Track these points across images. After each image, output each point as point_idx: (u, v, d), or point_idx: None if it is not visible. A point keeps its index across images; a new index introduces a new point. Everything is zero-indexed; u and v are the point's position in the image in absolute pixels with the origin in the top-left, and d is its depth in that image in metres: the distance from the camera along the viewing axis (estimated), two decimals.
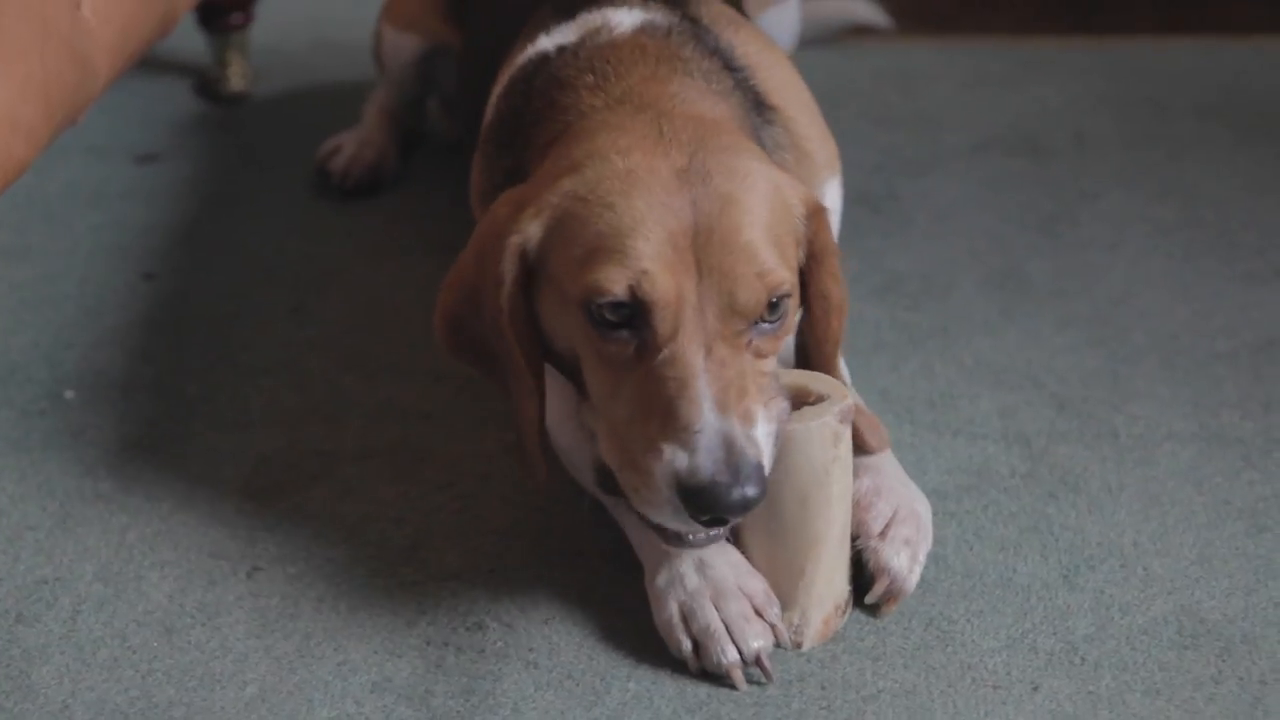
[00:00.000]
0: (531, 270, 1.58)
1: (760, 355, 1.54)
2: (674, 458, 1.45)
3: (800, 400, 1.59)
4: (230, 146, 2.84)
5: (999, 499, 1.82)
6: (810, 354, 1.68)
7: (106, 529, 1.81)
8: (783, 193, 1.58)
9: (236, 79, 3.03)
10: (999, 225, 2.49)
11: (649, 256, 1.49)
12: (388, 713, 1.54)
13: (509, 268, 1.57)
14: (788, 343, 1.76)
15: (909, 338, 2.16)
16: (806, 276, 1.62)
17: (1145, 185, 2.62)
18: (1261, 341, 2.14)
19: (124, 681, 1.58)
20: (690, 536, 1.52)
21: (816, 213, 1.61)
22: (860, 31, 3.26)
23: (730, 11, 1.98)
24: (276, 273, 2.37)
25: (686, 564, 1.60)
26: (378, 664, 1.60)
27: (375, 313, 2.25)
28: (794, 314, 1.60)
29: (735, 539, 1.62)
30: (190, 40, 3.09)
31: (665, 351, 1.49)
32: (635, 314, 1.50)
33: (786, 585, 1.59)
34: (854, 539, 1.64)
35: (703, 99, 1.71)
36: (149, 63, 3.09)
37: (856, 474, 1.64)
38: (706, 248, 1.50)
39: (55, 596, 1.70)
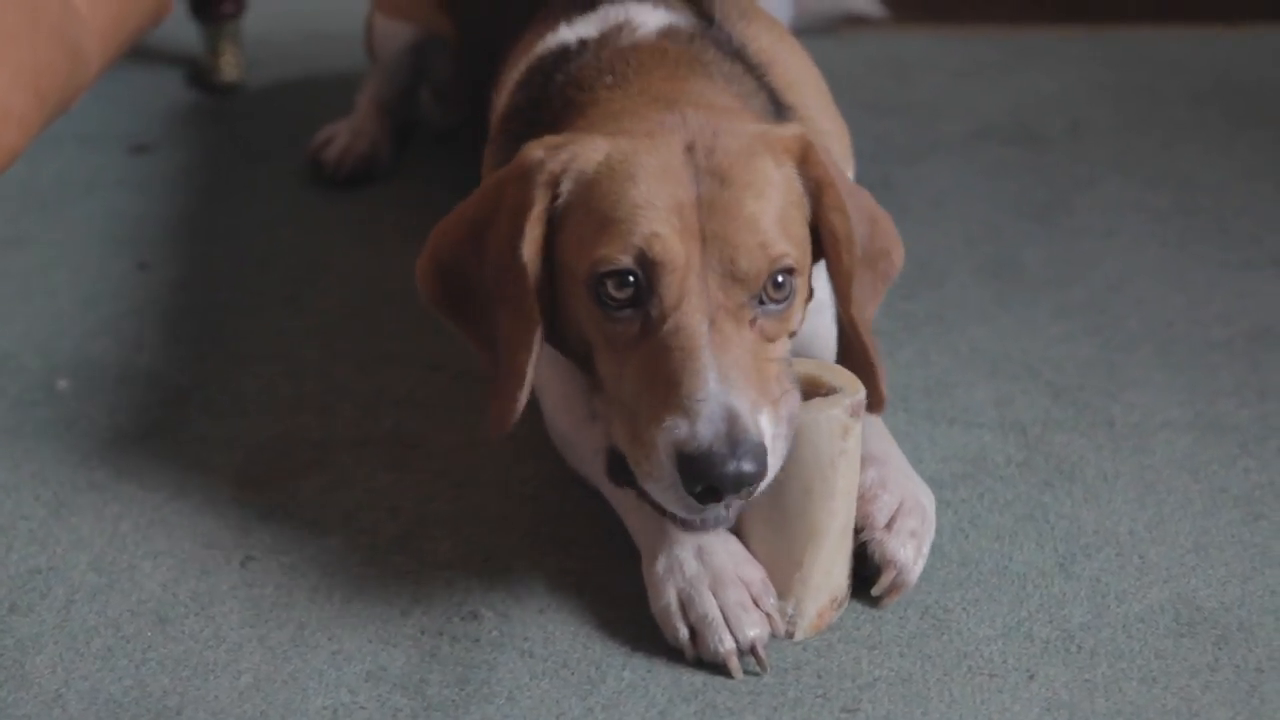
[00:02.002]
0: (553, 226, 1.58)
1: (767, 338, 1.54)
2: (675, 426, 1.45)
3: (812, 391, 1.58)
4: (223, 136, 2.83)
5: (995, 487, 1.82)
6: (835, 292, 1.65)
7: (100, 518, 1.80)
8: (780, 168, 1.57)
9: (229, 69, 3.02)
10: (994, 213, 2.48)
11: (657, 221, 1.50)
12: (382, 702, 1.54)
13: (541, 194, 1.56)
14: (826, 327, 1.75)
15: (904, 326, 2.16)
16: (814, 219, 1.61)
17: (1141, 173, 2.61)
18: (1257, 329, 2.14)
19: (118, 671, 1.58)
20: (698, 520, 1.51)
21: (806, 153, 1.60)
22: (855, 21, 3.25)
23: (743, 2, 1.97)
24: (270, 262, 2.37)
25: (686, 551, 1.59)
26: (372, 653, 1.59)
27: (369, 302, 2.24)
28: (803, 297, 1.59)
29: (736, 527, 1.62)
30: (183, 30, 3.09)
31: (670, 322, 1.50)
32: (640, 288, 1.51)
33: (783, 575, 1.58)
34: (859, 530, 1.63)
35: (720, 97, 1.71)
36: (141, 52, 3.09)
37: (862, 466, 1.63)
38: (710, 217, 1.51)
39: (49, 586, 1.70)
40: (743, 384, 1.47)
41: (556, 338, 1.64)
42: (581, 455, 1.79)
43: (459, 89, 2.43)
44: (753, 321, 1.52)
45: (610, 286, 1.51)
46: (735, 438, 1.43)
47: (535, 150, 1.59)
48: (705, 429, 1.44)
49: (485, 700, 1.53)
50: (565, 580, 1.69)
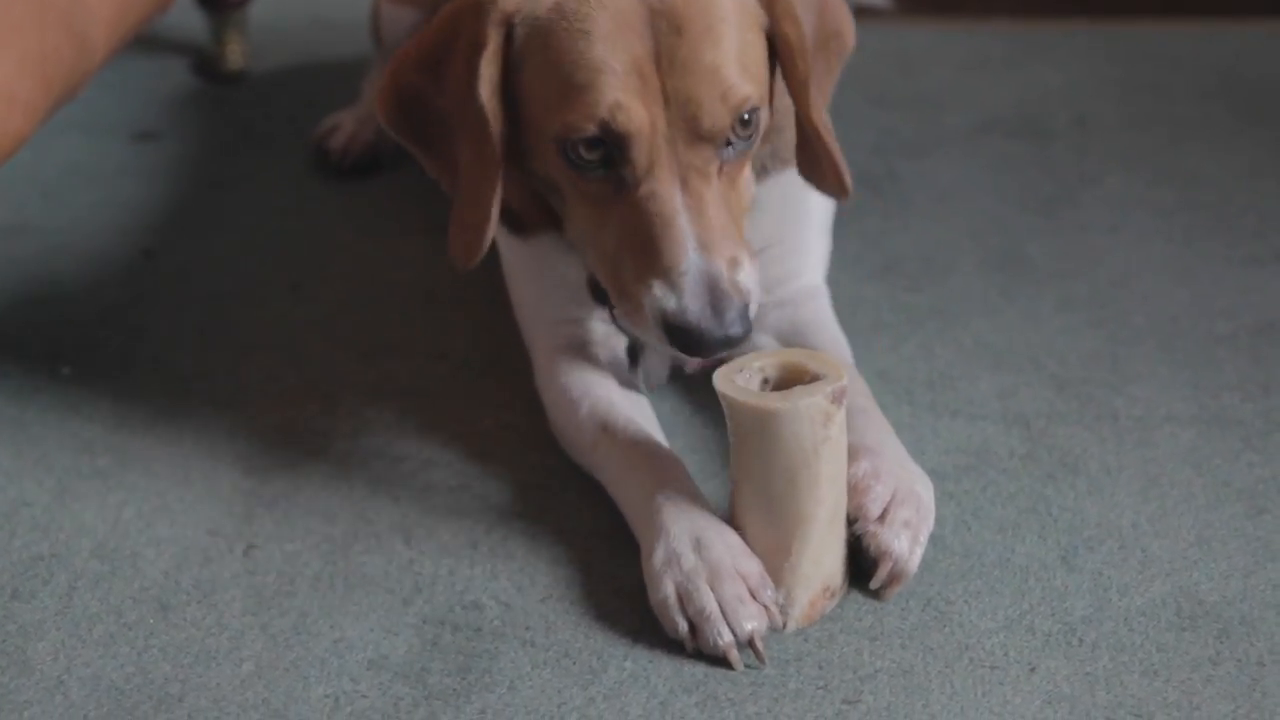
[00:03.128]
0: (511, 66, 1.59)
1: (732, 179, 1.58)
2: (662, 295, 1.52)
3: (794, 379, 1.58)
4: (228, 124, 2.83)
5: (998, 480, 1.82)
6: (792, 98, 1.67)
7: (103, 505, 1.80)
8: None
9: (234, 57, 3.02)
10: (999, 207, 2.48)
11: (618, 88, 1.52)
12: (384, 690, 1.54)
13: (494, 32, 1.58)
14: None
15: (908, 318, 2.15)
16: (769, 29, 1.63)
17: (1146, 168, 2.61)
18: (1261, 324, 2.13)
19: (120, 658, 1.58)
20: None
21: None
22: (860, 13, 3.23)
23: None
24: (274, 251, 2.37)
25: (683, 544, 1.59)
26: (374, 642, 1.60)
27: (373, 291, 2.24)
28: (765, 122, 1.62)
29: (733, 517, 1.62)
30: (188, 18, 3.08)
31: (643, 187, 1.54)
32: (610, 150, 1.54)
33: (774, 564, 1.58)
34: (853, 523, 1.62)
35: None
36: (147, 41, 3.09)
37: (854, 457, 1.63)
38: (670, 73, 1.53)
39: (51, 573, 1.70)
40: (720, 244, 1.54)
41: (524, 172, 1.67)
42: (579, 447, 1.79)
43: None
44: (720, 168, 1.55)
45: (580, 149, 1.55)
46: (719, 305, 1.52)
47: None
48: (691, 302, 1.51)
49: (487, 689, 1.53)
50: (568, 570, 1.69)
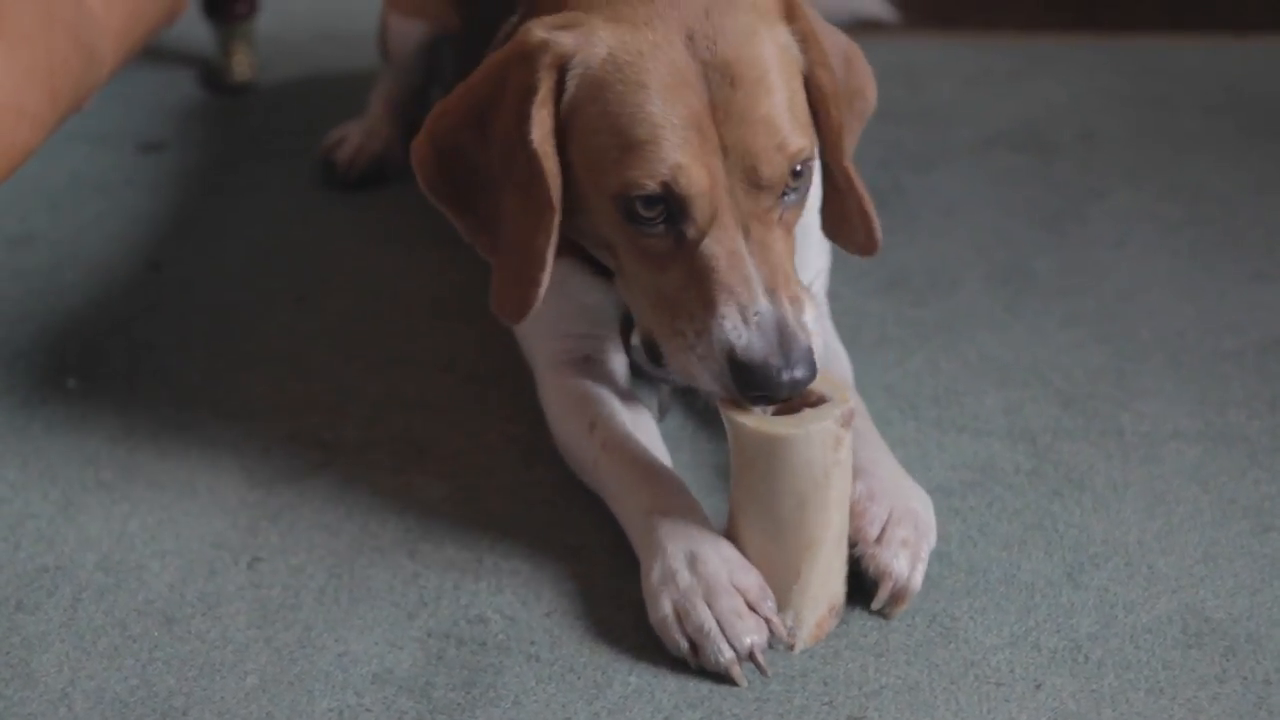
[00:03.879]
0: (563, 116, 1.58)
1: (788, 227, 1.58)
2: (735, 326, 1.51)
3: (801, 401, 1.58)
4: (235, 136, 2.83)
5: (1003, 496, 1.82)
6: (821, 145, 1.66)
7: (108, 518, 1.80)
8: (779, 43, 1.58)
9: (241, 68, 3.03)
10: (1005, 221, 2.48)
11: (679, 148, 1.52)
12: (388, 704, 1.53)
13: (546, 76, 1.56)
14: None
15: (914, 333, 2.15)
16: (807, 74, 1.63)
17: (1152, 183, 2.61)
18: (1268, 340, 2.13)
19: (124, 670, 1.58)
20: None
21: (791, 11, 1.61)
22: (866, 26, 3.25)
23: None
24: (281, 263, 2.37)
25: (679, 561, 1.59)
26: (379, 656, 1.59)
27: (379, 303, 2.24)
28: (814, 171, 1.62)
29: (732, 537, 1.61)
30: (195, 30, 3.09)
31: (708, 240, 1.54)
32: (670, 208, 1.54)
33: (782, 586, 1.58)
34: (852, 546, 1.62)
35: None
36: (154, 52, 3.09)
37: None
38: (727, 125, 1.53)
39: (56, 585, 1.70)
40: (785, 290, 1.53)
41: (570, 227, 1.64)
42: (581, 464, 1.79)
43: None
44: (780, 217, 1.56)
45: (639, 206, 1.54)
46: (788, 348, 1.51)
47: (536, 30, 1.58)
48: (759, 342, 1.51)
49: (491, 703, 1.53)
50: (573, 585, 1.69)
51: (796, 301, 1.54)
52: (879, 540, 1.62)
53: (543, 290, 1.62)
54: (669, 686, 1.55)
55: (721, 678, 1.55)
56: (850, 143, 1.72)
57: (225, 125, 2.88)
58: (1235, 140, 2.78)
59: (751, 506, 1.57)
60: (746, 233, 1.54)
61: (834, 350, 1.91)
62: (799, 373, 1.51)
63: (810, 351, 1.53)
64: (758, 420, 1.53)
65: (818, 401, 1.57)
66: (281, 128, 2.85)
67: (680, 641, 1.56)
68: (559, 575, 1.70)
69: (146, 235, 2.46)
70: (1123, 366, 2.07)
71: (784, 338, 1.51)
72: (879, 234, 1.72)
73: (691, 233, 1.54)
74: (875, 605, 1.61)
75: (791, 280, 1.56)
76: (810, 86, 1.62)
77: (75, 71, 2.03)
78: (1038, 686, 1.54)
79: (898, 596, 1.61)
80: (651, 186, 1.52)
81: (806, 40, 1.62)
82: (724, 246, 1.53)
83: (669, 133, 1.52)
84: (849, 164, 1.67)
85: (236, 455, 1.91)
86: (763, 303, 1.52)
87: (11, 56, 1.86)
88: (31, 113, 1.91)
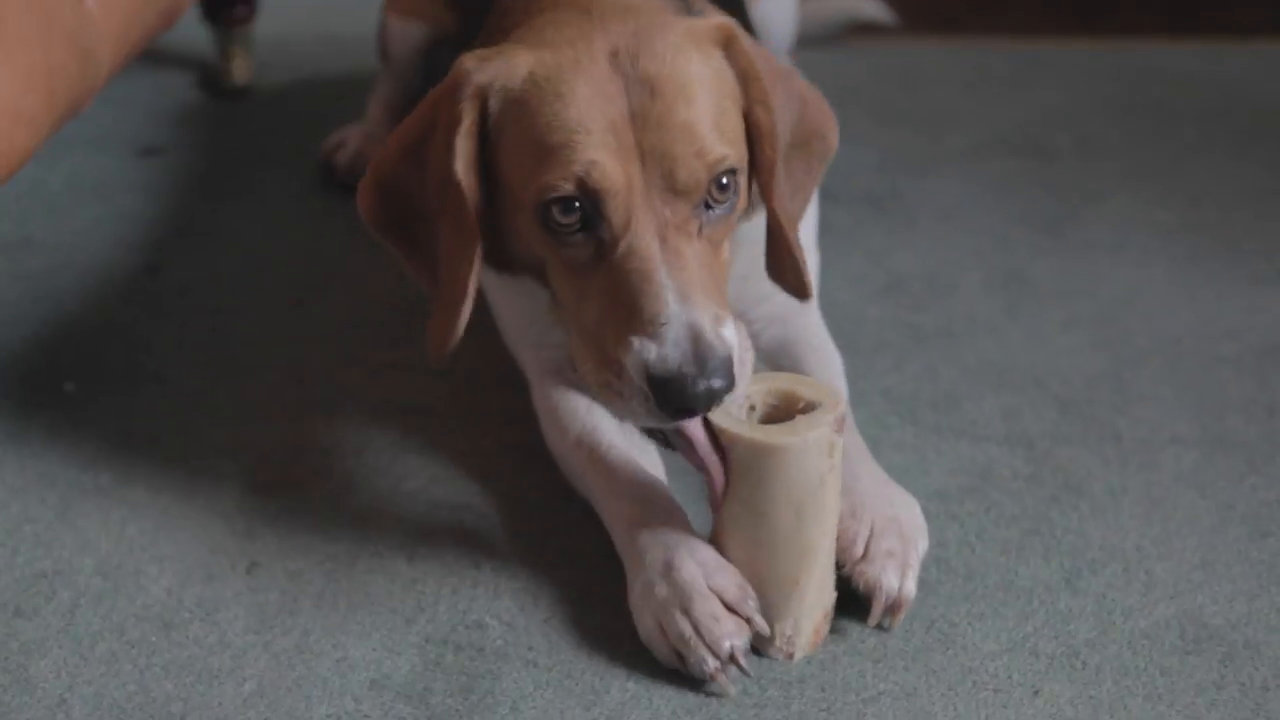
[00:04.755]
0: (489, 142, 1.59)
1: (713, 244, 1.56)
2: (643, 348, 1.48)
3: (789, 407, 1.58)
4: (233, 140, 2.83)
5: (1001, 501, 1.82)
6: (759, 185, 1.66)
7: (106, 523, 1.80)
8: (710, 63, 1.58)
9: (240, 72, 3.03)
10: (1003, 226, 2.48)
11: (594, 146, 1.51)
12: (386, 710, 1.53)
13: (469, 108, 1.57)
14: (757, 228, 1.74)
15: (912, 338, 2.15)
16: (744, 110, 1.62)
17: (1149, 188, 2.61)
18: (1266, 345, 2.13)
19: (122, 676, 1.58)
20: (667, 435, 1.54)
21: (730, 43, 1.61)
22: (865, 30, 3.25)
23: None
24: (279, 267, 2.37)
25: (655, 573, 1.58)
26: (376, 661, 1.59)
27: (377, 308, 2.24)
28: (745, 193, 1.60)
29: (720, 548, 1.60)
30: (194, 33, 3.09)
31: (622, 245, 1.52)
32: (587, 212, 1.52)
33: (779, 596, 1.57)
34: (840, 567, 1.62)
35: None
36: (153, 56, 3.09)
37: None
38: (645, 132, 1.52)
39: (54, 590, 1.70)
40: (702, 299, 1.50)
41: (501, 254, 1.64)
42: (571, 473, 1.79)
43: None
44: (699, 229, 1.54)
45: (556, 213, 1.53)
46: (702, 355, 1.47)
47: (465, 62, 1.60)
48: (672, 351, 1.47)
49: (489, 710, 1.53)
50: (571, 590, 1.68)
51: (717, 317, 1.51)
52: (864, 556, 1.61)
53: (463, 320, 1.61)
54: (667, 693, 1.55)
55: (713, 690, 1.54)
56: (807, 187, 1.72)
57: (224, 129, 2.88)
58: (1233, 145, 2.78)
59: (746, 517, 1.56)
60: (663, 241, 1.52)
61: (826, 354, 1.90)
62: (716, 383, 1.48)
63: (728, 362, 1.49)
64: (752, 430, 1.53)
65: (807, 406, 1.57)
66: (280, 131, 2.85)
67: (667, 653, 1.56)
68: (557, 581, 1.70)
69: (144, 239, 2.46)
70: (1121, 371, 2.07)
71: (698, 347, 1.48)
72: (809, 281, 1.70)
73: (607, 237, 1.53)
74: (870, 622, 1.61)
75: (710, 292, 1.52)
76: (748, 123, 1.62)
77: (73, 75, 2.03)
78: (1036, 692, 1.54)
79: (892, 608, 1.61)
80: (566, 188, 1.51)
81: (745, 76, 1.61)
82: (638, 252, 1.51)
83: (583, 136, 1.51)
84: (779, 208, 1.65)
85: (234, 459, 1.91)
86: (674, 309, 1.49)
87: (9, 60, 1.86)
88: (29, 116, 1.91)
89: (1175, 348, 2.13)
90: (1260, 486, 1.84)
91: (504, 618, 1.65)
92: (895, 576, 1.60)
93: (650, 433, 1.59)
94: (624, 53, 1.54)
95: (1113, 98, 2.99)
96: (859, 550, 1.62)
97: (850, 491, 1.65)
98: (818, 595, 1.58)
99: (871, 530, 1.63)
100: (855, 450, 1.73)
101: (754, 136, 1.62)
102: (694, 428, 1.54)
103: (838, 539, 1.61)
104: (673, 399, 1.47)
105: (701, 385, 1.47)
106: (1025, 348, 2.13)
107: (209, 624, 1.65)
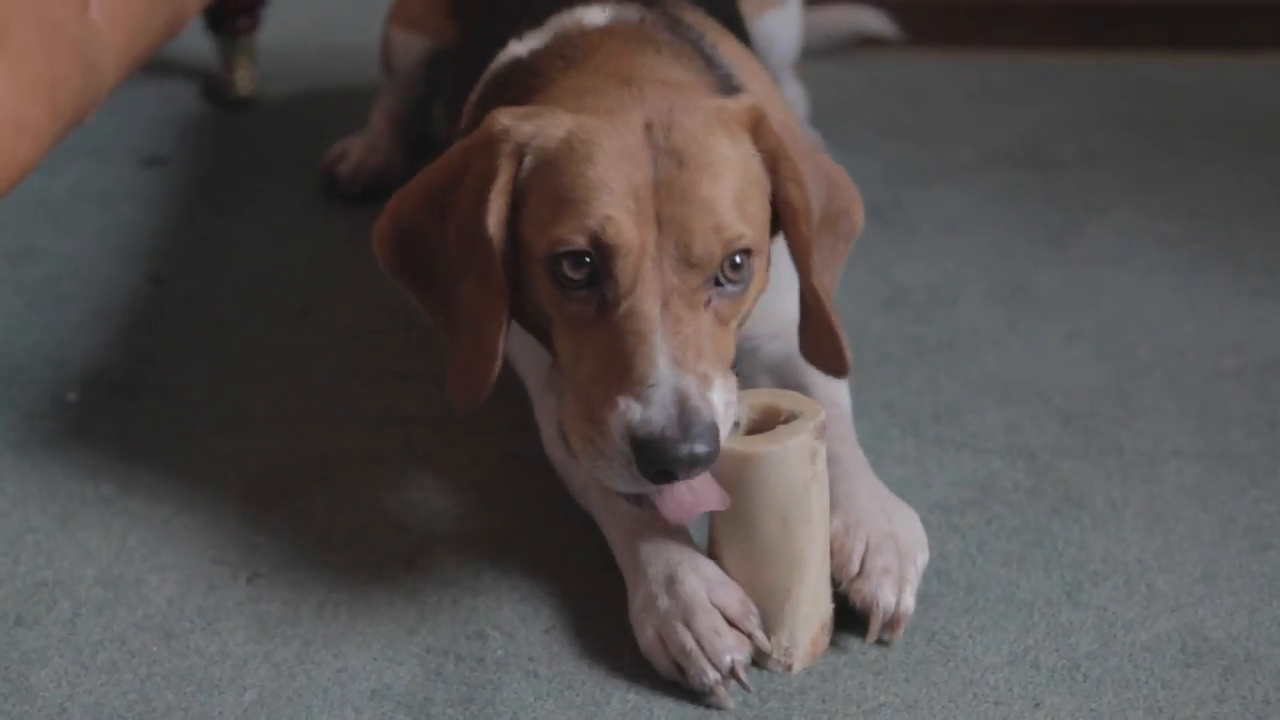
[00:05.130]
0: (516, 199, 1.58)
1: (721, 319, 1.55)
2: (628, 409, 1.47)
3: (771, 419, 1.58)
4: (237, 150, 2.84)
5: (1003, 513, 1.82)
6: (795, 262, 1.66)
7: (107, 532, 1.80)
8: (737, 146, 1.59)
9: (243, 83, 3.03)
10: (1006, 238, 2.48)
11: (612, 205, 1.51)
12: None
13: (506, 165, 1.58)
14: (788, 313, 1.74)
15: (915, 350, 2.15)
16: (773, 191, 1.62)
17: (1153, 201, 2.61)
18: (1268, 359, 2.13)
19: (123, 685, 1.58)
20: (646, 498, 1.52)
21: (759, 125, 1.61)
22: (869, 43, 3.26)
23: (712, 20, 1.98)
24: (282, 277, 2.37)
25: (657, 585, 1.58)
26: (377, 671, 1.59)
27: (380, 318, 2.25)
28: (762, 276, 1.60)
29: (716, 558, 1.61)
30: (198, 44, 3.10)
31: (624, 305, 1.51)
32: (596, 268, 1.52)
33: (773, 607, 1.57)
34: (836, 586, 1.61)
35: (671, 70, 1.72)
36: (156, 66, 3.10)
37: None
38: (667, 201, 1.52)
39: (55, 599, 1.70)
40: (693, 364, 1.49)
41: (518, 311, 1.64)
42: (572, 489, 1.79)
43: (459, 100, 2.44)
44: (707, 303, 1.54)
45: (566, 266, 1.53)
46: (687, 420, 1.46)
47: (501, 118, 1.60)
48: (657, 414, 1.46)
49: None
50: (572, 601, 1.68)
51: (705, 378, 1.50)
52: (860, 573, 1.61)
53: (493, 376, 1.60)
54: (667, 704, 1.54)
55: (713, 704, 1.54)
56: (835, 266, 1.71)
57: (227, 139, 2.88)
58: (1235, 158, 2.78)
59: (735, 531, 1.57)
60: (665, 306, 1.51)
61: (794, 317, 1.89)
62: (699, 447, 1.45)
63: (713, 428, 1.48)
64: (732, 440, 1.53)
65: (789, 417, 1.57)
66: (283, 142, 2.85)
67: (667, 665, 1.56)
68: (558, 592, 1.70)
69: (147, 249, 2.46)
70: (1123, 384, 2.07)
71: (684, 411, 1.46)
72: (848, 356, 1.68)
73: (611, 295, 1.52)
74: (869, 640, 1.60)
75: (703, 357, 1.51)
76: (779, 202, 1.62)
77: (77, 85, 2.03)
78: (1036, 705, 1.54)
79: (890, 624, 1.60)
80: (579, 241, 1.51)
81: (775, 155, 1.61)
82: (638, 313, 1.50)
83: (604, 194, 1.52)
84: (818, 284, 1.65)
85: (236, 469, 1.91)
86: (664, 373, 1.48)
87: (13, 71, 1.87)
88: (33, 126, 1.91)
89: (1177, 361, 2.13)
90: (1262, 500, 1.84)
91: (505, 628, 1.65)
92: (891, 592, 1.60)
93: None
94: (658, 125, 1.55)
95: (1115, 110, 3.00)
96: (854, 567, 1.61)
97: (846, 508, 1.65)
98: (812, 606, 1.58)
99: (867, 546, 1.63)
100: (855, 465, 1.73)
101: (787, 215, 1.62)
102: (674, 490, 1.52)
103: (833, 556, 1.61)
104: (654, 460, 1.46)
105: (684, 449, 1.45)
106: (1027, 360, 2.13)
107: (210, 634, 1.65)
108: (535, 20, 1.90)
